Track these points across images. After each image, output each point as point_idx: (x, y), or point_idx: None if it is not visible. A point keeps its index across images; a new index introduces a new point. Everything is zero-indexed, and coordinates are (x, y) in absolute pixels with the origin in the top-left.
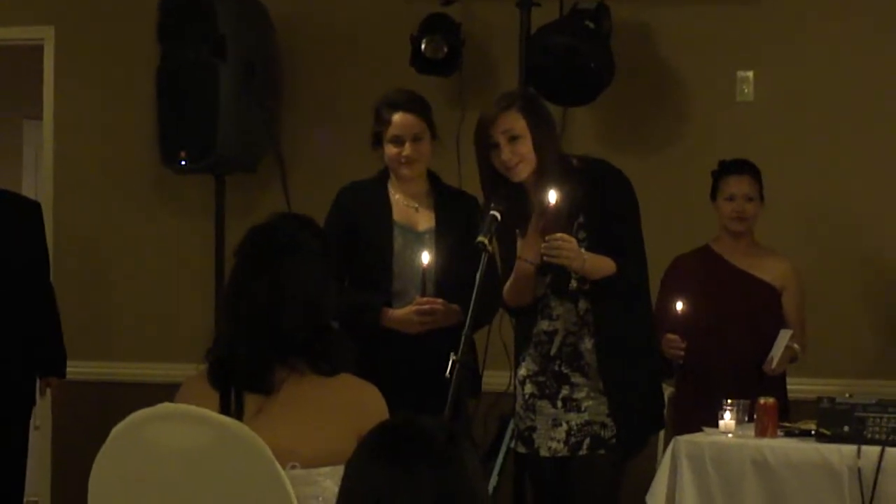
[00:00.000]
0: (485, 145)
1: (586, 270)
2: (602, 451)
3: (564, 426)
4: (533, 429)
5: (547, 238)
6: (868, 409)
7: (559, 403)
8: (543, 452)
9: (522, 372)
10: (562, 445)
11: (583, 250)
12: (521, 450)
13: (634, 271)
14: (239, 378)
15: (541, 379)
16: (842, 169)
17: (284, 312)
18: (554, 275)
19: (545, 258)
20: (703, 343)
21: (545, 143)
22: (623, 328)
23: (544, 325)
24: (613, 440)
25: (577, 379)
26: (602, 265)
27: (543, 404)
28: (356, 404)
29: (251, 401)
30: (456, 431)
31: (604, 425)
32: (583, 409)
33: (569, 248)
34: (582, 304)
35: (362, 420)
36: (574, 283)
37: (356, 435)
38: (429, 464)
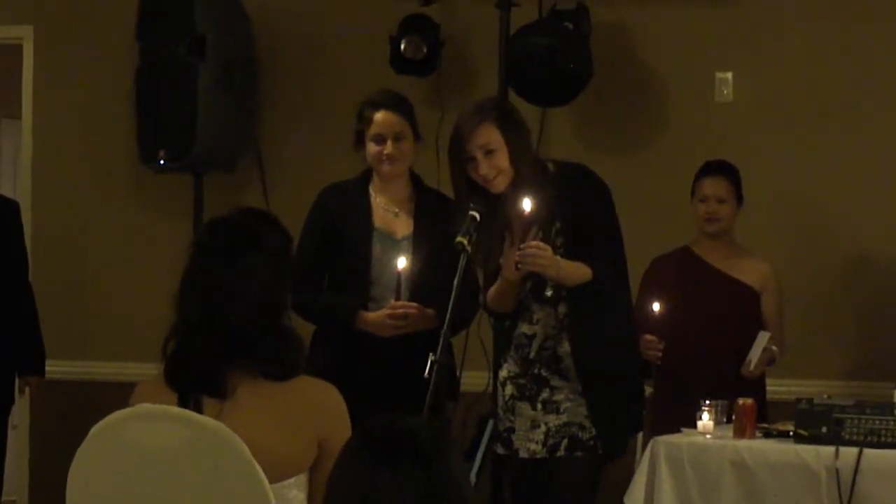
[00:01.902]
0: (460, 159)
1: (562, 278)
2: (580, 453)
3: (543, 427)
4: (512, 430)
5: (521, 247)
6: (846, 411)
7: (539, 406)
8: (522, 454)
9: (504, 373)
10: (540, 447)
11: (558, 258)
12: (501, 451)
13: (612, 276)
14: (192, 380)
15: (521, 381)
16: (821, 169)
17: (235, 310)
18: (530, 282)
19: (519, 266)
20: (682, 344)
21: (521, 154)
22: (601, 332)
23: (525, 328)
24: (592, 442)
25: (556, 382)
26: (578, 272)
27: (523, 406)
28: (313, 408)
29: (209, 406)
30: (440, 432)
31: (582, 426)
32: (561, 410)
33: (543, 257)
34: (561, 309)
35: (322, 423)
36: (550, 292)
37: (317, 439)
38: (414, 464)
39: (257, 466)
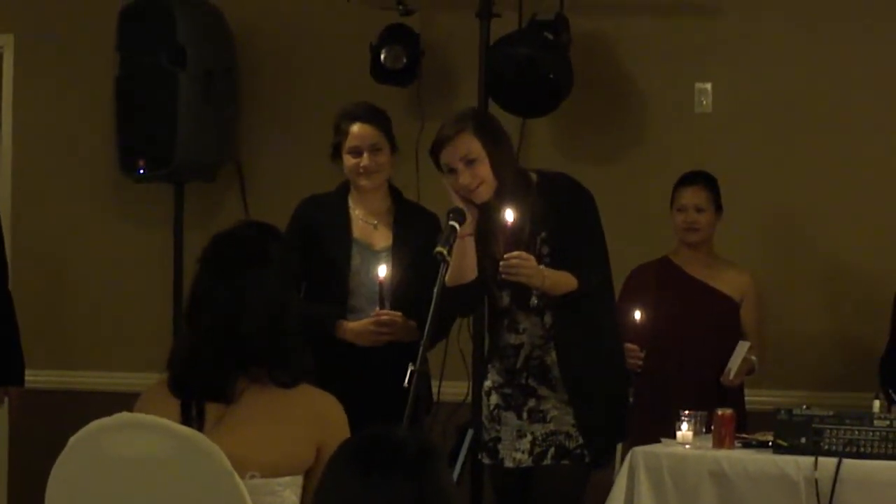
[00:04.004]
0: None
1: (546, 287)
2: (566, 461)
3: (529, 437)
4: (498, 440)
5: (505, 256)
6: (825, 421)
7: (524, 415)
8: (508, 463)
9: (488, 383)
10: (526, 456)
11: (542, 267)
12: (487, 461)
13: (597, 285)
14: (199, 387)
15: (506, 391)
16: (800, 180)
17: (245, 322)
18: (515, 291)
19: (504, 276)
20: (662, 354)
21: (503, 162)
22: (587, 341)
23: (511, 338)
24: (578, 450)
25: (543, 392)
26: (563, 281)
27: (509, 416)
28: (316, 414)
29: (212, 409)
30: (427, 442)
31: (569, 435)
32: (548, 419)
33: (527, 266)
34: (548, 318)
35: (322, 430)
36: (535, 300)
37: (316, 445)
38: (404, 474)
39: (236, 476)
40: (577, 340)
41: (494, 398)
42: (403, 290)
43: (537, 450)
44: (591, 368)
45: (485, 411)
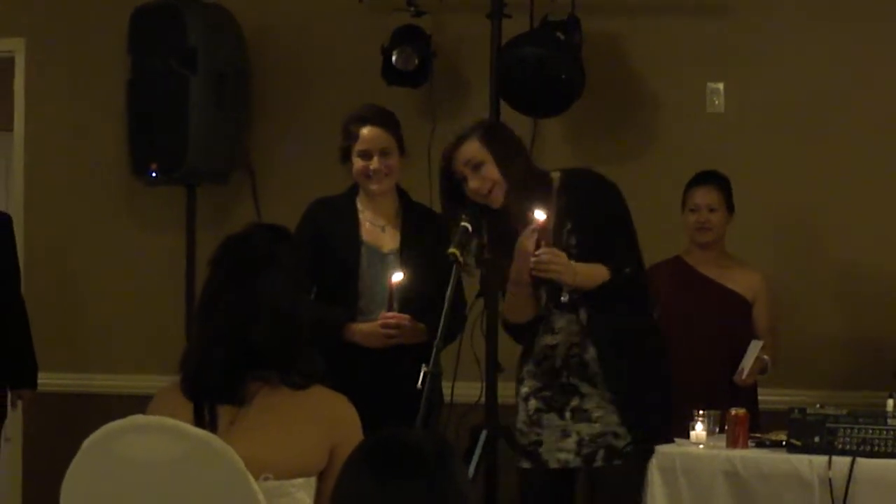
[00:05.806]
0: (450, 180)
1: (579, 282)
2: (618, 462)
3: (574, 437)
4: (539, 443)
5: (536, 253)
6: (839, 420)
7: (567, 415)
8: (552, 465)
9: (525, 389)
10: (573, 456)
11: (573, 263)
12: (526, 465)
13: (630, 275)
14: (211, 389)
15: (546, 394)
16: (813, 179)
17: (257, 325)
18: (546, 289)
19: (535, 273)
20: (674, 353)
21: (510, 164)
22: (625, 333)
23: (547, 339)
24: (628, 448)
25: (585, 389)
26: (594, 273)
27: (550, 417)
28: (328, 416)
29: (224, 412)
30: (444, 444)
31: (616, 435)
32: (594, 419)
33: (558, 262)
34: (583, 314)
35: (335, 431)
36: (565, 297)
37: (329, 446)
38: (420, 475)
39: (251, 478)
40: (613, 334)
41: (533, 403)
42: (411, 292)
43: (585, 451)
44: (631, 362)
45: (522, 417)
